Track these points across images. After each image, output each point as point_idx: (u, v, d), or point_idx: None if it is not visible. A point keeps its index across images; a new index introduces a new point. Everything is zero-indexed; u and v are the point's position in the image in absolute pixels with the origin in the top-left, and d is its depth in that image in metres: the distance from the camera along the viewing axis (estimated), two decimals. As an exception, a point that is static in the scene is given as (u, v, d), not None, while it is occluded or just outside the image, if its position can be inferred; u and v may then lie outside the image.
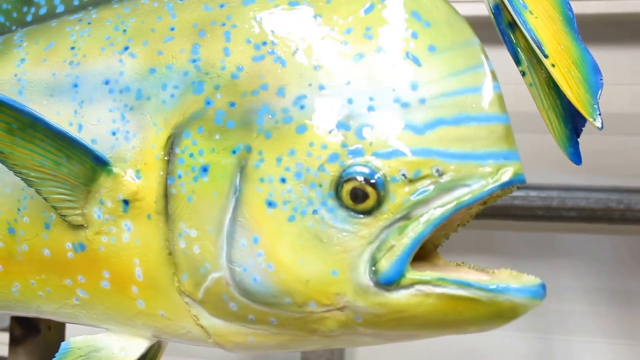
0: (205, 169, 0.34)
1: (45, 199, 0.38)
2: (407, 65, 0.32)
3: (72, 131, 0.38)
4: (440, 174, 0.31)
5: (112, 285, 0.38)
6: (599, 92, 0.36)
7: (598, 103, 0.36)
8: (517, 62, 0.41)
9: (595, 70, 0.36)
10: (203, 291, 0.35)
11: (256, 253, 0.33)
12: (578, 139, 0.40)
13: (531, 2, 0.38)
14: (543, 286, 0.30)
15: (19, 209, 0.40)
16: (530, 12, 0.37)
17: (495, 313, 0.30)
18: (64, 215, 0.38)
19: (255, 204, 0.33)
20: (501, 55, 0.42)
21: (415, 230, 0.30)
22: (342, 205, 0.31)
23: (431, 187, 0.31)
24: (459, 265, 0.34)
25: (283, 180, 0.33)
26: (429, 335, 0.33)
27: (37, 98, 0.40)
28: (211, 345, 0.37)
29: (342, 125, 0.32)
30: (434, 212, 0.31)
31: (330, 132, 0.32)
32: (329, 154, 0.32)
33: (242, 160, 0.34)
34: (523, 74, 0.41)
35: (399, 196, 0.31)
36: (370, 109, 0.32)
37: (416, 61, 0.32)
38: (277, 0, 0.36)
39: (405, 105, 0.32)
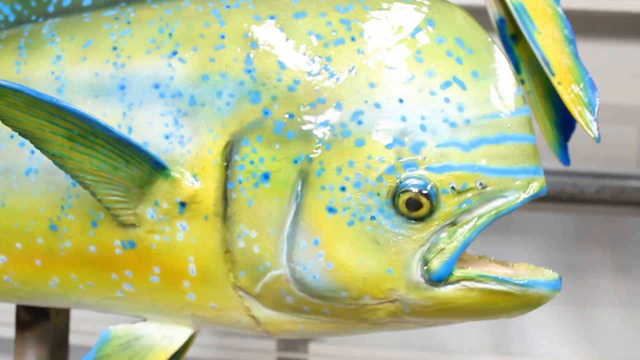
0: (266, 176, 0.37)
1: (98, 200, 0.39)
2: (454, 88, 0.37)
3: (122, 132, 0.39)
4: (483, 187, 0.36)
5: (162, 280, 0.40)
6: (597, 108, 0.42)
7: (596, 118, 0.42)
8: (518, 71, 0.47)
9: (593, 88, 0.42)
10: (261, 286, 0.38)
11: (316, 253, 0.37)
12: (567, 143, 0.46)
13: (539, 23, 0.43)
14: (560, 279, 0.37)
15: (62, 207, 0.41)
16: (539, 33, 0.43)
17: (525, 303, 0.36)
18: (116, 215, 0.40)
19: (316, 210, 0.37)
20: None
21: (463, 235, 0.36)
22: (398, 212, 0.36)
23: (475, 198, 0.36)
24: (481, 258, 0.39)
25: (343, 189, 0.36)
26: (464, 321, 0.38)
27: (79, 98, 0.41)
28: (258, 332, 0.41)
29: (398, 141, 0.36)
30: (478, 219, 0.36)
31: (386, 146, 0.36)
32: (386, 167, 0.36)
33: (303, 170, 0.37)
34: (522, 82, 0.47)
35: (448, 205, 0.36)
36: (422, 127, 0.36)
37: (462, 85, 0.37)
38: (329, 17, 0.39)
39: (453, 124, 0.36)
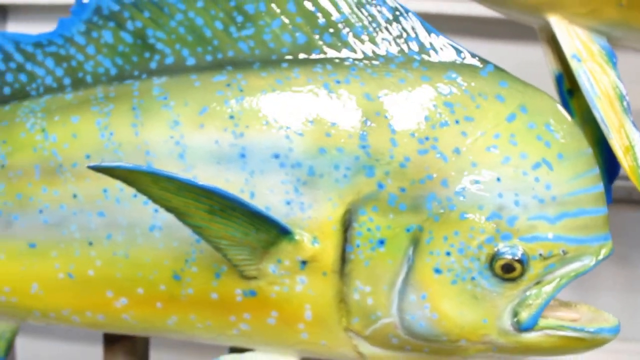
0: (382, 242, 0.43)
1: (227, 259, 0.44)
2: (543, 169, 0.43)
3: (245, 197, 0.43)
4: (565, 253, 0.43)
5: (278, 322, 0.46)
6: None
7: None
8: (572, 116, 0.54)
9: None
10: (371, 331, 0.45)
11: (423, 306, 0.43)
12: (610, 185, 0.54)
13: (599, 88, 0.49)
14: (619, 324, 0.45)
15: (186, 260, 0.46)
16: (600, 98, 0.49)
17: (592, 345, 0.44)
18: (241, 270, 0.44)
19: (424, 271, 0.43)
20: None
21: (547, 292, 0.43)
22: (494, 274, 0.43)
23: (558, 262, 0.43)
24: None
25: (448, 254, 0.43)
26: (538, 356, 0.46)
27: (201, 164, 0.45)
28: (359, 361, 0.48)
29: (495, 215, 0.43)
30: (560, 280, 0.43)
31: (486, 219, 0.43)
32: (485, 237, 0.43)
33: (414, 237, 0.43)
34: None
35: (535, 269, 0.43)
36: (516, 203, 0.43)
37: (549, 166, 0.43)
38: (434, 100, 0.44)
39: (541, 201, 0.43)
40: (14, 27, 0.86)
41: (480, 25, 0.80)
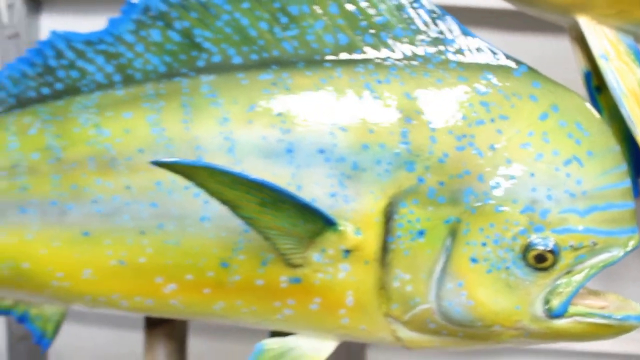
0: (421, 233, 0.46)
1: (275, 248, 0.46)
2: (573, 165, 0.45)
3: (292, 190, 0.46)
4: (595, 245, 0.46)
5: (321, 307, 0.49)
6: None
7: None
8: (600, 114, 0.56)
9: None
10: (409, 316, 0.47)
11: (460, 293, 0.46)
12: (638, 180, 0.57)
13: (626, 86, 0.52)
14: None
15: (234, 249, 0.48)
16: (626, 95, 0.51)
17: (619, 332, 0.47)
18: (287, 259, 0.47)
19: (461, 260, 0.46)
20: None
21: (577, 281, 0.46)
22: (527, 264, 0.45)
23: (588, 253, 0.46)
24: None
25: (484, 244, 0.46)
26: (567, 342, 0.49)
27: (249, 158, 0.47)
28: (396, 345, 0.50)
29: (529, 208, 0.45)
30: (590, 270, 0.46)
31: (520, 212, 0.45)
32: (520, 229, 0.45)
33: (452, 228, 0.46)
34: None
35: (567, 259, 0.45)
36: (549, 197, 0.45)
37: (580, 163, 0.46)
38: (470, 99, 0.47)
39: (572, 195, 0.45)
40: (48, 20, 0.88)
41: (495, 18, 0.82)
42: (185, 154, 0.48)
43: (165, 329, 0.61)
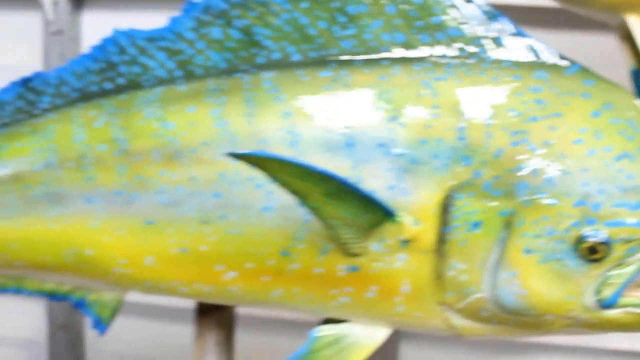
0: (477, 224, 0.48)
1: (336, 237, 0.48)
2: (625, 161, 0.47)
3: (367, 190, 0.48)
4: None
5: (377, 295, 0.51)
6: None
7: None
8: None
9: None
10: (464, 304, 0.49)
11: (513, 283, 0.48)
12: None
13: None
14: None
15: (295, 238, 0.50)
16: None
17: None
18: (346, 248, 0.49)
19: (515, 251, 0.48)
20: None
21: (628, 273, 0.47)
22: (580, 255, 0.47)
23: (638, 246, 0.47)
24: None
25: (537, 236, 0.47)
26: (616, 332, 0.50)
27: (311, 152, 0.49)
28: (448, 333, 0.52)
29: (581, 202, 0.47)
30: (639, 262, 0.47)
31: (573, 205, 0.47)
32: (572, 222, 0.47)
33: (507, 221, 0.48)
34: None
35: (618, 251, 0.47)
36: (601, 191, 0.47)
37: (631, 158, 0.47)
38: (525, 97, 0.48)
39: (623, 190, 0.47)
40: (89, 17, 0.90)
41: (543, 16, 0.83)
42: (248, 147, 0.50)
43: (214, 317, 0.63)
